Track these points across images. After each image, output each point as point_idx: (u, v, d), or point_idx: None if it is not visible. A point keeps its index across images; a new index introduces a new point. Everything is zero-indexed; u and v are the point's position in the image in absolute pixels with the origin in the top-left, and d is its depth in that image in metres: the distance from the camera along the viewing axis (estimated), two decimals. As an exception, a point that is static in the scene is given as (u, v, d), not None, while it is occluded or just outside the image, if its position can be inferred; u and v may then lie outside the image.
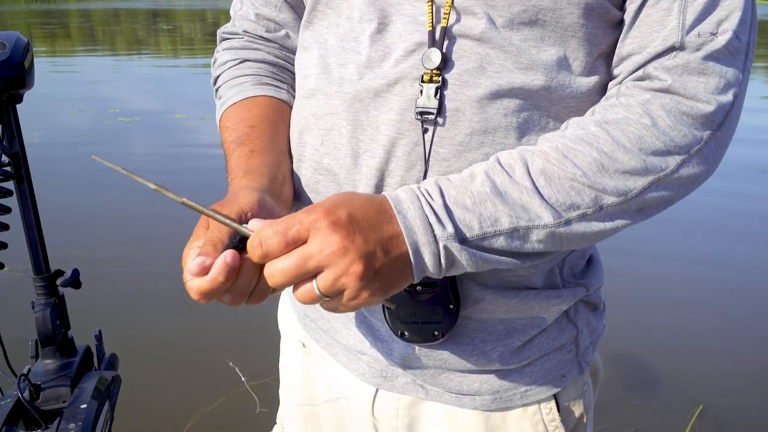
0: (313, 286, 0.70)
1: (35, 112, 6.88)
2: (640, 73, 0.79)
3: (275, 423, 1.21)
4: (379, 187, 0.84)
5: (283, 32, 1.02)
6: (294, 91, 0.99)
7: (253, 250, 0.69)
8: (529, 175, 0.75)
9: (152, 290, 3.51)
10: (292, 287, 0.71)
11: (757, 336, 3.27)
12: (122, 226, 4.33)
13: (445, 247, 0.73)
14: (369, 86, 0.83)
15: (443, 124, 0.81)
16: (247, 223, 0.71)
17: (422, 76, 0.80)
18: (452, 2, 0.80)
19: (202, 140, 6.62)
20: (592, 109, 0.81)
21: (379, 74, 0.83)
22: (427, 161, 0.82)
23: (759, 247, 4.31)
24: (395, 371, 0.95)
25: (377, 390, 0.98)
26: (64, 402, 1.44)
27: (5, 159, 1.49)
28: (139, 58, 13.33)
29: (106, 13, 25.10)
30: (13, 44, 1.49)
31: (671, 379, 2.91)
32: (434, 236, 0.73)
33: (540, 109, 0.82)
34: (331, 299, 0.71)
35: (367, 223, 0.71)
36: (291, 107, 0.98)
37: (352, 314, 0.96)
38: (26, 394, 1.41)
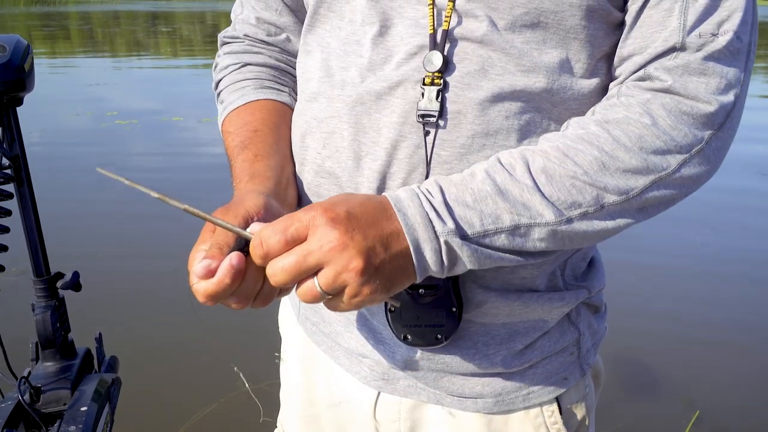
0: (314, 284, 0.70)
1: (32, 115, 6.89)
2: (640, 73, 0.79)
3: (276, 427, 1.21)
4: (380, 189, 0.84)
5: (283, 36, 1.02)
6: (295, 93, 0.99)
7: (255, 251, 0.69)
8: (530, 173, 0.75)
9: (153, 292, 3.51)
10: (289, 285, 0.71)
11: (756, 338, 3.26)
12: (122, 229, 4.33)
13: (446, 243, 0.73)
14: (371, 89, 0.83)
15: (445, 127, 0.81)
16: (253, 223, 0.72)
17: (424, 78, 0.80)
18: (453, 5, 0.80)
19: (199, 142, 6.61)
20: (592, 109, 0.82)
21: (380, 77, 0.83)
22: (428, 164, 0.82)
23: (759, 249, 4.31)
24: (397, 374, 0.95)
25: (379, 393, 0.98)
26: (65, 405, 1.44)
27: (5, 162, 1.49)
28: (137, 60, 13.33)
29: (106, 16, 25.12)
30: (13, 47, 1.49)
31: (668, 383, 2.90)
32: (435, 232, 0.73)
33: (541, 111, 0.82)
34: (334, 297, 0.71)
35: (366, 220, 0.71)
36: (293, 110, 0.98)
37: (353, 317, 0.96)
38: (27, 396, 1.41)
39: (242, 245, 0.70)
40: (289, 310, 1.12)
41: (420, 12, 0.81)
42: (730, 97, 0.77)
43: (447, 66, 0.80)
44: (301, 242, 0.69)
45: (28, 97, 1.53)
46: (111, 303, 3.37)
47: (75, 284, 1.56)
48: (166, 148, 6.56)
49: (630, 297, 3.49)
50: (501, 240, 0.75)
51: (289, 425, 1.15)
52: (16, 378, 1.45)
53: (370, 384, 0.97)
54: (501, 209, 0.74)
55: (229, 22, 1.07)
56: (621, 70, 0.82)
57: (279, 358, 1.16)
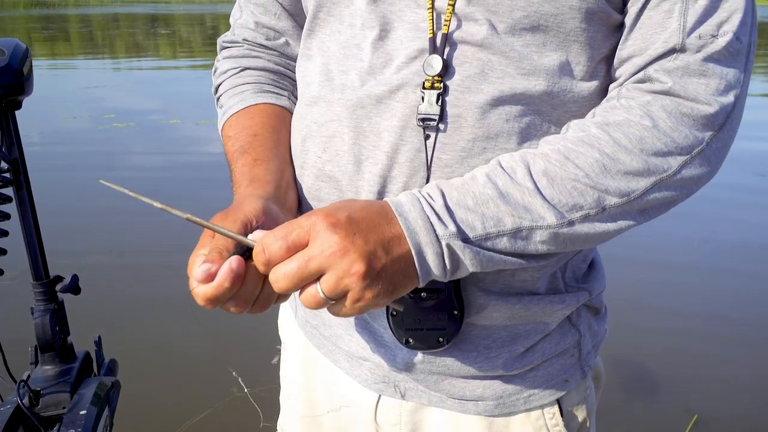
0: (317, 290, 0.70)
1: (30, 117, 6.89)
2: (640, 75, 0.79)
3: (276, 431, 1.21)
4: (381, 193, 0.84)
5: (282, 40, 1.02)
6: (295, 97, 0.99)
7: (257, 258, 0.70)
8: (531, 176, 0.75)
9: (152, 296, 3.51)
10: (292, 291, 0.71)
11: (755, 342, 3.26)
12: (121, 232, 4.32)
13: (448, 246, 0.73)
14: (371, 93, 0.83)
15: (445, 131, 0.80)
16: (253, 229, 0.72)
17: (424, 82, 0.80)
18: (453, 9, 0.79)
19: (196, 145, 6.59)
20: (592, 111, 0.81)
21: (381, 81, 0.83)
22: (429, 168, 0.81)
23: (758, 250, 4.31)
24: (398, 377, 0.95)
25: (380, 396, 0.97)
26: (64, 408, 1.44)
27: (4, 165, 1.49)
28: (136, 62, 13.31)
29: (105, 18, 25.13)
30: (12, 51, 1.49)
31: (667, 386, 2.90)
32: (436, 236, 0.73)
33: (542, 114, 0.82)
34: (337, 302, 0.71)
35: (367, 225, 0.71)
36: (292, 114, 0.98)
37: (353, 320, 0.95)
38: (26, 400, 1.41)
39: (242, 250, 0.71)
40: (289, 313, 1.12)
41: (420, 16, 0.81)
42: (730, 98, 0.77)
43: (447, 70, 0.80)
44: (303, 248, 0.69)
45: (26, 100, 1.53)
46: (110, 306, 3.37)
47: (74, 287, 1.55)
48: (163, 150, 6.55)
49: (629, 299, 3.49)
50: (503, 243, 0.75)
51: (289, 429, 1.14)
52: (15, 381, 1.45)
53: (371, 387, 0.97)
54: (503, 212, 0.74)
55: (228, 25, 1.07)
56: (621, 72, 0.82)
57: (277, 358, 1.16)
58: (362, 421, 1.00)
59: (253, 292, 0.71)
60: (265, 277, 0.71)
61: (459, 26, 0.80)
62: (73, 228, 4.33)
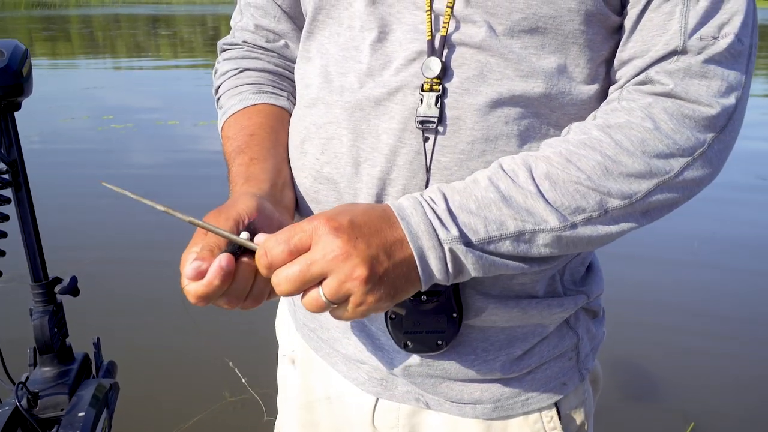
0: (319, 293, 0.70)
1: (28, 118, 6.87)
2: (641, 77, 0.79)
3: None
4: (380, 196, 0.84)
5: (282, 42, 1.02)
6: (294, 98, 1.00)
7: (259, 261, 0.70)
8: (533, 179, 0.75)
9: (152, 297, 3.50)
10: (294, 295, 0.72)
11: (754, 350, 3.25)
12: (120, 233, 4.32)
13: (451, 250, 0.73)
14: (370, 95, 0.83)
15: (444, 133, 0.80)
16: (246, 226, 0.73)
17: (422, 85, 0.80)
18: (451, 11, 0.79)
19: (193, 146, 6.57)
20: (593, 113, 0.81)
21: (379, 83, 0.82)
22: (428, 170, 0.81)
23: (758, 253, 4.30)
24: (395, 380, 0.95)
25: (377, 399, 0.97)
26: (62, 410, 1.44)
27: (3, 167, 1.49)
28: (136, 63, 13.31)
29: (107, 19, 25.14)
30: (11, 52, 1.49)
31: (664, 394, 2.89)
32: (439, 240, 0.73)
33: (540, 116, 0.82)
34: (339, 306, 0.72)
35: (369, 229, 0.71)
36: (291, 114, 0.98)
37: (351, 323, 0.95)
38: (24, 402, 1.41)
39: (233, 248, 0.71)
40: (287, 315, 1.12)
41: (418, 18, 0.81)
42: (731, 100, 0.77)
43: (445, 72, 0.80)
44: (305, 252, 0.70)
45: (25, 101, 1.53)
46: (110, 308, 3.36)
47: (73, 289, 1.55)
48: (160, 150, 6.54)
49: (627, 301, 3.48)
50: (506, 246, 0.75)
51: (287, 431, 1.14)
52: (14, 383, 1.45)
53: (369, 390, 0.97)
54: (505, 216, 0.74)
55: (228, 26, 1.07)
56: (621, 74, 0.82)
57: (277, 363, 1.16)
58: (360, 424, 0.99)
59: (244, 289, 0.71)
60: (257, 272, 0.72)
61: (457, 28, 0.80)
62: (71, 229, 4.33)
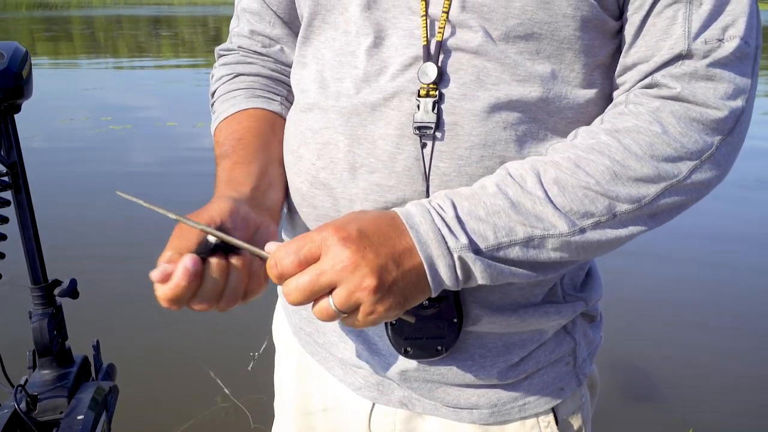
0: (329, 303, 0.71)
1: (27, 119, 6.84)
2: (648, 80, 0.79)
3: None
4: (377, 202, 0.83)
5: (277, 47, 1.02)
6: (288, 103, 1.00)
7: (270, 271, 0.71)
8: (542, 184, 0.75)
9: (151, 300, 3.47)
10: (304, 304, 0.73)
11: (753, 354, 3.25)
12: (120, 235, 4.31)
13: (460, 258, 0.73)
14: (366, 100, 0.82)
15: (442, 139, 0.80)
16: (217, 228, 0.73)
17: (419, 90, 0.80)
18: (447, 16, 0.79)
19: (191, 148, 6.53)
20: (600, 117, 0.81)
21: (375, 88, 0.82)
22: (427, 177, 0.81)
23: (759, 254, 4.30)
24: (392, 385, 0.95)
25: (374, 404, 0.97)
26: (61, 413, 1.44)
27: (3, 169, 1.49)
28: (137, 64, 13.31)
29: (108, 20, 25.15)
30: (11, 54, 1.49)
31: (662, 399, 2.88)
32: (448, 248, 0.73)
33: (538, 121, 0.82)
34: (349, 315, 0.72)
35: (378, 238, 0.71)
36: (283, 118, 0.98)
37: (348, 328, 0.95)
38: (23, 405, 1.41)
39: (202, 249, 0.71)
40: (284, 319, 1.12)
41: (414, 23, 0.81)
42: (739, 103, 0.77)
43: (442, 77, 0.80)
44: (315, 262, 0.71)
45: (25, 102, 1.53)
46: (109, 310, 3.36)
47: (72, 291, 1.55)
48: (157, 151, 6.53)
49: (627, 303, 3.48)
50: (515, 252, 0.75)
51: (284, 435, 1.14)
52: (13, 386, 1.45)
53: (365, 395, 0.97)
54: (514, 222, 0.74)
55: (230, 27, 1.08)
56: (625, 79, 0.82)
57: (252, 363, 1.16)
58: (356, 428, 0.99)
59: (215, 290, 0.72)
60: (228, 274, 0.72)
61: (453, 33, 0.80)
62: (70, 231, 4.32)
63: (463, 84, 0.80)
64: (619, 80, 0.83)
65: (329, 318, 0.72)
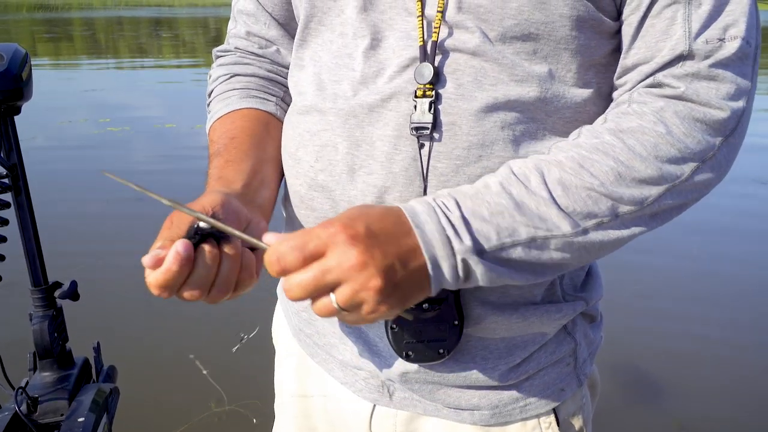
0: (331, 300, 0.70)
1: (25, 121, 6.82)
2: (650, 80, 0.79)
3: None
4: (376, 203, 0.83)
5: (274, 48, 1.03)
6: (284, 103, 1.00)
7: (271, 266, 0.69)
8: (546, 185, 0.75)
9: (152, 301, 3.48)
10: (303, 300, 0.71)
11: (754, 348, 3.24)
12: (120, 236, 4.31)
13: (463, 260, 0.73)
14: (363, 102, 0.82)
15: (439, 139, 0.80)
16: (210, 217, 0.72)
17: (415, 91, 0.80)
18: (442, 17, 0.79)
19: (189, 149, 6.52)
20: (603, 116, 0.81)
21: (373, 90, 0.82)
22: (425, 177, 0.81)
23: (759, 256, 4.30)
24: (393, 386, 0.95)
25: (374, 406, 0.97)
26: (62, 415, 1.44)
27: (3, 171, 1.49)
28: (137, 66, 13.31)
29: (109, 22, 25.16)
30: (11, 56, 1.49)
31: (663, 397, 2.88)
32: (452, 249, 0.72)
33: (536, 121, 0.81)
34: (350, 312, 0.71)
35: (385, 237, 0.71)
36: (279, 119, 0.98)
37: (348, 329, 0.95)
38: (24, 407, 1.41)
39: (192, 234, 0.70)
40: (283, 321, 1.11)
41: (411, 24, 0.81)
42: (741, 103, 0.77)
43: (438, 78, 0.80)
44: (320, 259, 0.69)
45: (25, 104, 1.53)
46: (110, 312, 3.36)
47: (73, 293, 1.55)
48: (154, 152, 6.52)
49: (628, 304, 3.47)
50: (517, 253, 0.75)
51: (285, 437, 1.14)
52: (13, 388, 1.45)
53: (366, 396, 0.97)
54: (518, 222, 0.74)
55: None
56: (626, 80, 0.82)
57: (237, 346, 1.15)
58: (357, 430, 0.99)
59: (206, 277, 0.70)
60: (219, 263, 0.71)
61: (450, 34, 0.80)
62: (70, 232, 4.32)
63: (461, 84, 0.80)
64: (619, 81, 0.83)
65: (329, 314, 0.71)
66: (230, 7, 1.08)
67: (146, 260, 0.68)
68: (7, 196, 1.50)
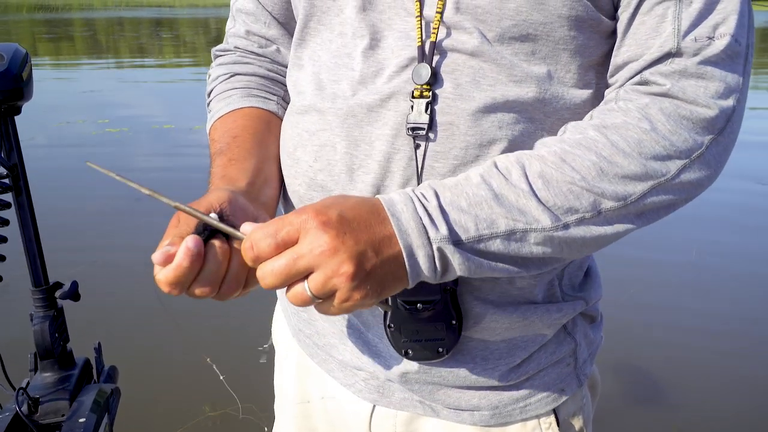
0: (304, 288, 0.69)
1: (22, 123, 6.79)
2: (637, 78, 0.79)
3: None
4: None
5: (273, 47, 1.03)
6: (284, 102, 1.00)
7: (245, 253, 0.69)
8: (527, 178, 0.74)
9: (153, 301, 3.50)
10: (279, 288, 0.71)
11: (755, 348, 3.24)
12: (121, 237, 4.31)
13: (439, 249, 0.72)
14: (362, 102, 0.82)
15: (435, 140, 0.80)
16: (217, 213, 0.72)
17: (413, 91, 0.80)
18: (440, 17, 0.79)
19: (188, 150, 6.52)
20: (590, 113, 0.81)
21: (372, 90, 0.82)
22: (420, 177, 0.81)
23: (760, 257, 4.29)
24: (392, 387, 0.95)
25: (374, 406, 0.97)
26: (63, 416, 1.44)
27: (3, 171, 1.49)
28: (136, 67, 13.29)
29: (109, 22, 25.16)
30: (11, 56, 1.49)
31: (664, 398, 2.87)
32: (428, 238, 0.72)
33: (535, 121, 0.81)
34: (324, 301, 0.71)
35: (358, 224, 0.70)
36: (279, 118, 0.98)
37: (348, 330, 0.95)
38: (24, 407, 1.41)
39: (201, 230, 0.70)
40: (283, 321, 1.11)
41: (409, 24, 0.81)
42: (730, 102, 0.76)
43: (436, 78, 0.80)
44: (293, 245, 0.69)
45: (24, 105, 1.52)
46: (111, 313, 3.36)
47: (74, 294, 1.55)
48: (153, 154, 6.52)
49: (629, 305, 3.47)
50: (496, 245, 0.74)
51: (285, 437, 1.14)
52: (14, 389, 1.44)
53: (365, 397, 0.97)
54: (496, 214, 0.73)
55: None
56: (616, 78, 0.82)
57: (265, 357, 1.15)
58: (357, 430, 0.99)
59: (217, 273, 0.70)
60: (229, 259, 0.71)
61: (448, 35, 0.80)
62: (70, 233, 4.32)
63: (459, 85, 0.79)
64: (611, 79, 0.83)
65: (303, 303, 0.70)
66: (230, 7, 1.08)
67: (156, 257, 0.68)
68: (8, 197, 1.50)
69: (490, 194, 0.74)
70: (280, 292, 1.08)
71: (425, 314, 0.84)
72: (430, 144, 0.80)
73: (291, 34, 0.99)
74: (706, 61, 0.75)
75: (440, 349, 0.87)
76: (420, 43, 0.80)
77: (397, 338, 0.86)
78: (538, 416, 0.94)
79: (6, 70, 1.46)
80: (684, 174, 0.76)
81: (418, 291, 0.77)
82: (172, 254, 0.67)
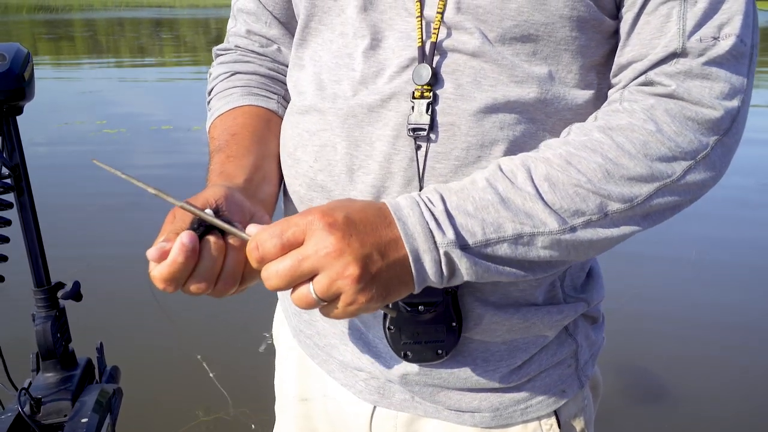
0: (309, 290, 0.69)
1: (22, 123, 6.77)
2: (642, 79, 0.78)
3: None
4: None
5: (274, 47, 1.03)
6: (285, 101, 1.00)
7: (251, 254, 0.69)
8: (532, 181, 0.74)
9: (156, 300, 3.50)
10: (283, 290, 0.71)
11: (756, 349, 3.24)
12: (121, 237, 4.31)
13: (446, 254, 0.72)
14: (363, 102, 0.82)
15: (437, 140, 0.80)
16: (212, 210, 0.72)
17: (413, 92, 0.80)
18: (441, 17, 0.79)
19: (186, 151, 6.50)
20: (594, 114, 0.81)
21: (373, 90, 0.82)
22: (421, 178, 0.81)
23: (761, 258, 4.29)
24: (393, 388, 0.95)
25: (375, 407, 0.97)
26: (65, 416, 1.44)
27: (5, 171, 1.49)
28: (135, 68, 13.28)
29: (109, 23, 25.15)
30: (13, 56, 1.49)
31: (664, 400, 2.87)
32: (434, 243, 0.72)
33: (536, 122, 0.81)
34: (329, 304, 0.70)
35: (365, 227, 0.70)
36: (280, 116, 0.98)
37: (348, 330, 0.95)
38: (27, 408, 1.41)
39: (196, 226, 0.70)
40: (284, 321, 1.12)
41: (410, 24, 0.81)
42: (735, 103, 0.76)
43: (437, 78, 0.80)
44: (298, 247, 0.69)
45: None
46: (112, 313, 3.36)
47: (76, 294, 1.55)
48: (151, 155, 6.51)
49: (630, 305, 3.47)
50: (503, 249, 0.74)
51: (285, 439, 1.14)
52: (16, 389, 1.45)
53: (366, 398, 0.97)
54: (503, 218, 0.73)
55: None
56: (620, 78, 0.81)
57: (264, 346, 1.15)
58: (357, 431, 0.99)
59: (212, 269, 0.70)
60: (225, 254, 0.71)
61: (449, 35, 0.80)
62: (70, 233, 4.32)
63: (460, 85, 0.79)
64: (614, 80, 0.83)
65: (308, 305, 0.70)
66: (230, 8, 1.08)
67: (151, 253, 0.67)
68: (10, 197, 1.50)
69: (496, 198, 0.74)
70: (282, 293, 1.08)
71: (426, 316, 0.84)
72: (431, 145, 0.80)
73: (292, 34, 0.99)
74: (711, 62, 0.75)
75: (439, 351, 0.87)
76: (420, 44, 0.80)
77: (396, 340, 0.86)
78: (539, 418, 0.94)
79: (8, 70, 1.46)
80: (689, 175, 0.76)
81: (420, 292, 0.77)
82: (167, 250, 0.67)
